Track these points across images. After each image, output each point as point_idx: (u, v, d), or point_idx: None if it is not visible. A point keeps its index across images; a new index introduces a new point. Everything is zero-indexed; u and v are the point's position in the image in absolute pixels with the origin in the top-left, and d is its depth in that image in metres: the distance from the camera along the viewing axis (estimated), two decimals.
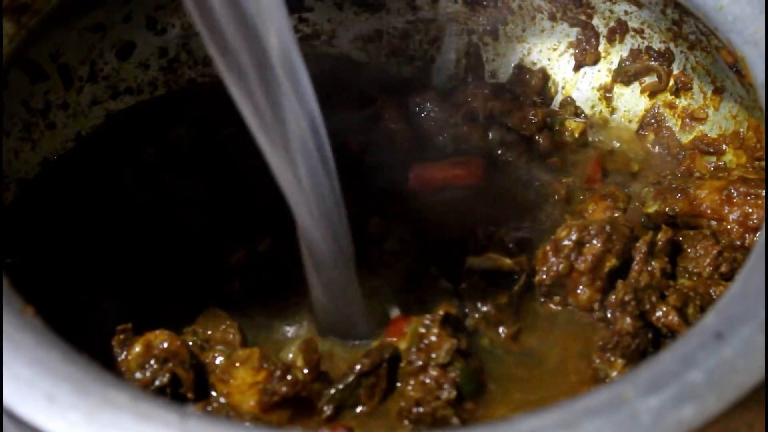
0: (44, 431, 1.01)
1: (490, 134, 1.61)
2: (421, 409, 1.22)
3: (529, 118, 1.61)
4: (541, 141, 1.60)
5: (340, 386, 1.23)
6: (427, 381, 1.23)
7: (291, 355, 1.27)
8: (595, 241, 1.34)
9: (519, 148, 1.58)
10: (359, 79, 1.76)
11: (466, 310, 1.35)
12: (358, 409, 1.25)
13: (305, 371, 1.24)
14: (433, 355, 1.23)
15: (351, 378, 1.24)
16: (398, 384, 1.27)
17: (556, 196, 1.50)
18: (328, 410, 1.23)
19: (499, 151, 1.58)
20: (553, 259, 1.35)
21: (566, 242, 1.35)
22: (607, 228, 1.34)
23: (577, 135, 1.63)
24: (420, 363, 1.24)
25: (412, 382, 1.24)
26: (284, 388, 1.20)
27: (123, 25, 1.72)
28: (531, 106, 1.63)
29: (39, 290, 1.19)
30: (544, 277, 1.35)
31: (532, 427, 1.01)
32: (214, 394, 1.24)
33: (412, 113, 1.65)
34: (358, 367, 1.25)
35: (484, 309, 1.33)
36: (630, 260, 1.35)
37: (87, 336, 1.18)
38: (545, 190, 1.53)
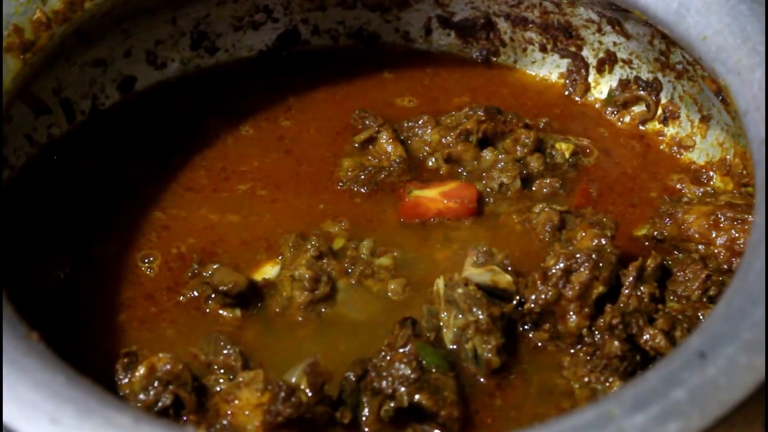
0: None
1: (482, 155, 1.63)
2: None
3: (523, 140, 1.64)
4: (532, 163, 1.63)
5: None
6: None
7: (294, 378, 1.28)
8: (582, 269, 1.36)
9: (512, 169, 1.60)
10: None
11: (459, 315, 1.36)
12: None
13: (309, 394, 1.26)
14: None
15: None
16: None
17: (548, 225, 1.52)
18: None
19: (493, 173, 1.61)
20: (541, 287, 1.36)
21: (554, 270, 1.36)
22: (594, 256, 1.36)
23: (567, 156, 1.65)
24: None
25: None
26: (288, 410, 1.21)
27: (123, 60, 1.76)
28: (524, 128, 1.65)
29: None
30: (533, 305, 1.37)
31: None
32: (217, 415, 1.25)
33: (407, 135, 1.68)
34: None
35: (479, 315, 1.34)
36: (617, 286, 1.37)
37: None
38: (538, 218, 1.55)
